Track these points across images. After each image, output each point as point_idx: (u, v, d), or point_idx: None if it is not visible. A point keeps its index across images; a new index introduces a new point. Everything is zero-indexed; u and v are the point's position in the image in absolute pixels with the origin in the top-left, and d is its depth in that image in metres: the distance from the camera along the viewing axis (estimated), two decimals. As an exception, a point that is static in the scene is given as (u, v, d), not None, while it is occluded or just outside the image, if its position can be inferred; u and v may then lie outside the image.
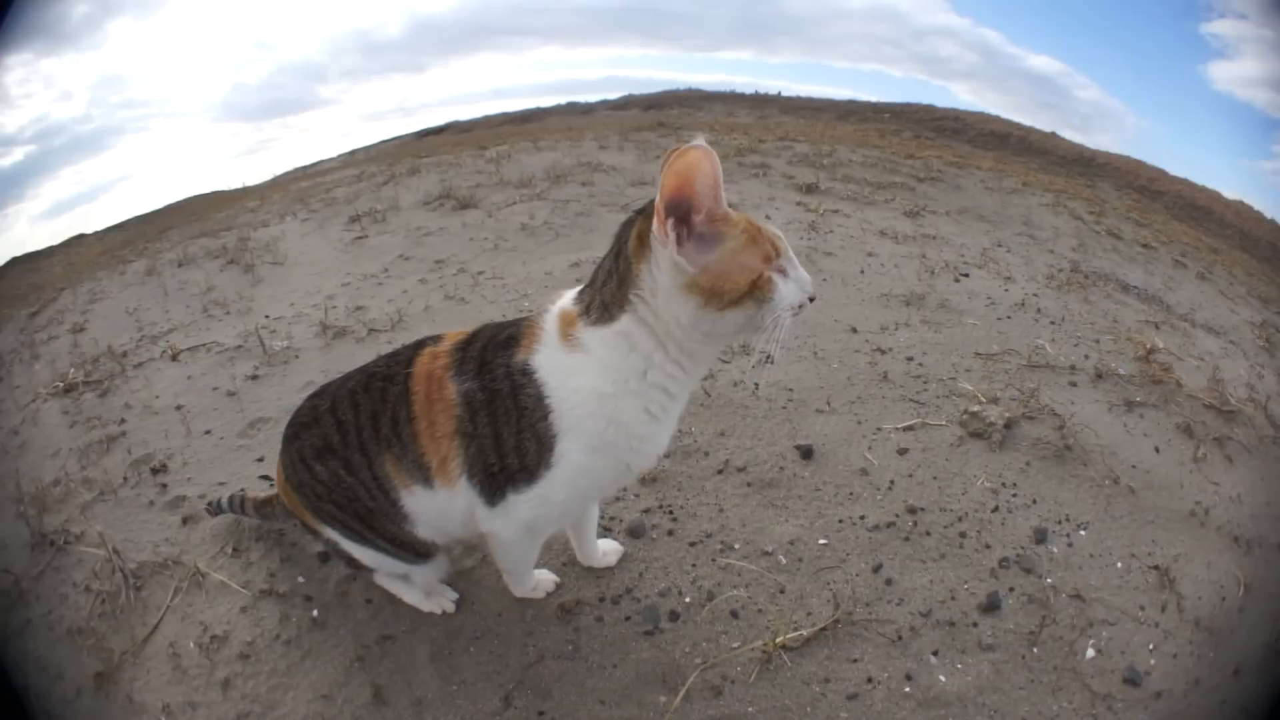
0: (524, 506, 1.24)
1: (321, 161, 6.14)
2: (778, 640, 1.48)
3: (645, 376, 1.13)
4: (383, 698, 1.40)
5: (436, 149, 6.15)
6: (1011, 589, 1.67)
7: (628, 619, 1.55)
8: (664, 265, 1.02)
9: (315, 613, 1.57)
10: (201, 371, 2.66)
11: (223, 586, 1.64)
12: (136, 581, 1.67)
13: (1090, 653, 1.58)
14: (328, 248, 4.03)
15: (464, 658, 1.47)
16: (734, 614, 1.56)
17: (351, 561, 1.46)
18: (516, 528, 1.30)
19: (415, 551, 1.40)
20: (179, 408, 2.41)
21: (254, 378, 2.57)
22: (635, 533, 1.75)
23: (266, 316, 3.10)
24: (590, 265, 3.27)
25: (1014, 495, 1.96)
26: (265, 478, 1.99)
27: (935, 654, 1.53)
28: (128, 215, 4.94)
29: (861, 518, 1.81)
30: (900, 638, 1.55)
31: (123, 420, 2.38)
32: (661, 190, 0.97)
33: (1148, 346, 2.85)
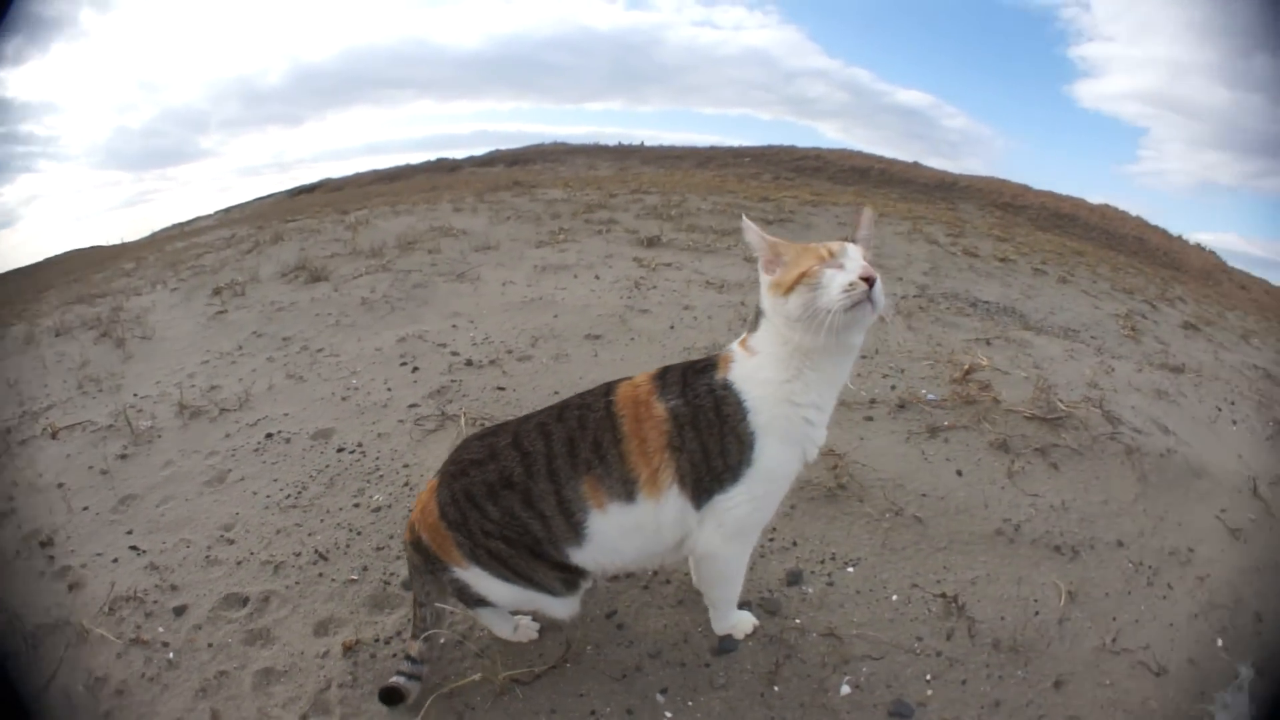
0: (733, 507, 1.49)
1: (198, 219, 6.29)
2: (502, 676, 1.66)
3: (803, 368, 1.47)
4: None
5: (305, 209, 6.33)
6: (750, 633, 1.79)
7: (395, 655, 1.81)
8: (765, 283, 1.50)
9: (170, 655, 1.91)
10: (78, 450, 3.02)
11: (101, 639, 1.98)
12: (34, 641, 2.00)
13: (845, 689, 1.63)
14: (191, 322, 4.24)
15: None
16: (480, 655, 1.78)
17: (472, 601, 1.62)
18: (727, 535, 1.51)
19: (566, 582, 1.58)
20: (60, 485, 2.76)
21: (123, 457, 2.93)
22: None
23: (135, 395, 3.46)
24: (417, 340, 3.65)
25: (770, 540, 2.04)
26: (134, 548, 2.32)
27: (663, 692, 1.64)
28: (6, 268, 4.92)
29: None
30: (625, 675, 1.68)
31: (11, 498, 2.74)
32: (761, 258, 1.49)
33: (965, 367, 2.96)
